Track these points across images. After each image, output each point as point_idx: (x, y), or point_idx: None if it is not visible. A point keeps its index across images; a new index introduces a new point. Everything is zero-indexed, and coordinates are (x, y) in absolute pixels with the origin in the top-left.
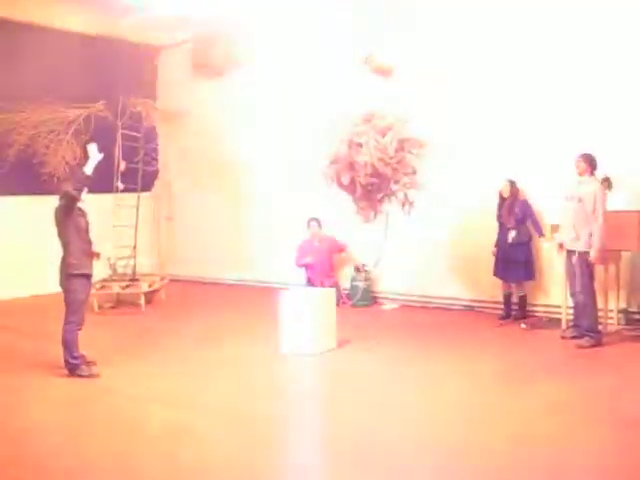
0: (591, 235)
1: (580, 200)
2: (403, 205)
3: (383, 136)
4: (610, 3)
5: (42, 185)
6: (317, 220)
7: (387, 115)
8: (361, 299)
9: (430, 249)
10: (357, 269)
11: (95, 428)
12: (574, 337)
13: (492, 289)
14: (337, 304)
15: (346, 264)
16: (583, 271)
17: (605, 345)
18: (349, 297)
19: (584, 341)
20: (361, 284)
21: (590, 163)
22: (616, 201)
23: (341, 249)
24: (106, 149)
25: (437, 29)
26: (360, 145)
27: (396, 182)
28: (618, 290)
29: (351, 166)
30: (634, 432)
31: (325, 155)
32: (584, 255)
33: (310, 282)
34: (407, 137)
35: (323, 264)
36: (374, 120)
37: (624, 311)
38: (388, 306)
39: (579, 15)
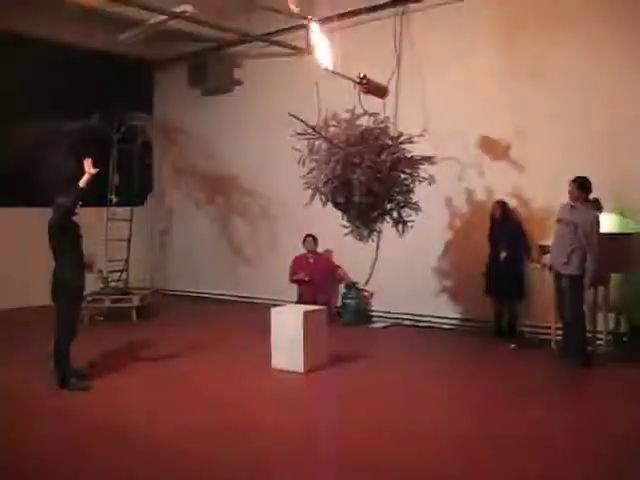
0: (582, 261)
1: (575, 226)
2: (397, 224)
3: (378, 155)
4: None
5: (36, 197)
6: (313, 236)
7: (381, 133)
8: (352, 317)
9: (421, 268)
10: (348, 287)
11: (81, 439)
12: (563, 357)
13: (483, 308)
14: (328, 321)
15: (338, 282)
16: (573, 294)
17: (594, 366)
18: (340, 315)
19: (573, 362)
20: (352, 302)
21: (583, 189)
22: (606, 223)
23: (334, 269)
24: (101, 162)
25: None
26: (355, 164)
27: (390, 201)
28: (607, 311)
29: (346, 185)
30: (620, 449)
31: (322, 174)
32: (575, 279)
33: (302, 299)
34: (401, 156)
35: (317, 281)
36: (369, 141)
37: (613, 332)
38: (379, 324)
39: None
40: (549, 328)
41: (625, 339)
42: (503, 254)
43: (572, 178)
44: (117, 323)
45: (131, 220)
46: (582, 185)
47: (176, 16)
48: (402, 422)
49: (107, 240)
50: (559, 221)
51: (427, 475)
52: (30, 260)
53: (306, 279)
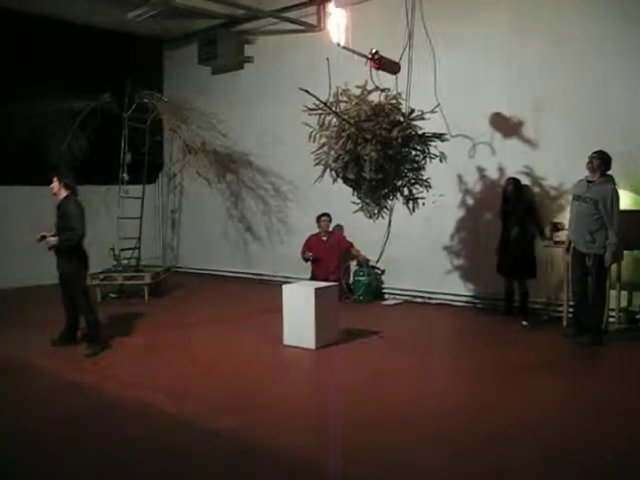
0: (606, 238)
1: (595, 202)
2: (407, 201)
3: (389, 132)
4: None
5: (45, 176)
6: (329, 215)
7: (392, 109)
8: (363, 294)
9: (433, 245)
10: (360, 264)
11: (96, 414)
12: (575, 335)
13: (494, 286)
14: (339, 299)
15: (350, 260)
16: (599, 273)
17: (606, 343)
18: (352, 292)
19: (586, 338)
20: (364, 279)
21: (605, 162)
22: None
23: (348, 247)
24: (112, 140)
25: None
26: (366, 140)
27: (401, 178)
28: (620, 289)
29: (357, 161)
30: (629, 425)
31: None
32: (600, 257)
33: (315, 276)
34: (412, 133)
35: (329, 259)
36: (380, 117)
37: (625, 310)
38: (390, 302)
39: None
40: (561, 305)
41: (638, 317)
42: (514, 232)
43: (592, 152)
44: (129, 300)
45: (142, 198)
46: (604, 158)
47: None
48: (413, 396)
49: (119, 218)
50: (577, 198)
51: (440, 447)
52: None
53: (312, 258)
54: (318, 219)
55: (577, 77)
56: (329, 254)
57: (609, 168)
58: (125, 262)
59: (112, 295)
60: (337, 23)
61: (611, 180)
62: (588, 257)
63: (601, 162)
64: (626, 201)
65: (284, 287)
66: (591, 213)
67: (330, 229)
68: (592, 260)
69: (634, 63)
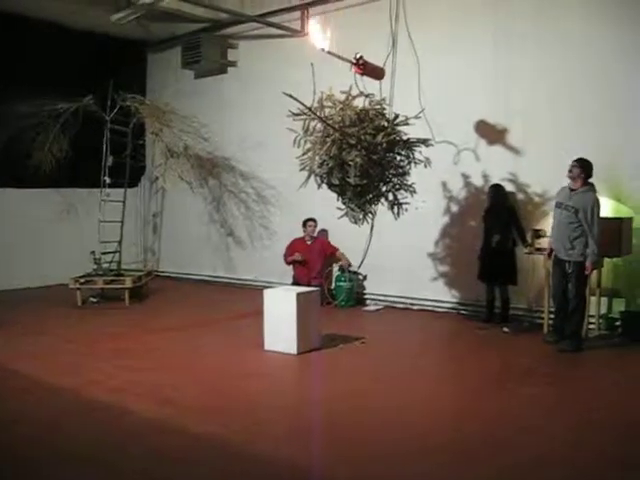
0: (586, 246)
1: (576, 210)
2: (392, 206)
3: (373, 137)
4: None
5: (28, 178)
6: (315, 220)
7: (377, 115)
8: (345, 300)
9: (415, 251)
10: (342, 269)
11: (76, 419)
12: (555, 341)
13: (477, 292)
14: (321, 304)
15: (333, 265)
16: (578, 280)
17: (586, 350)
18: (333, 297)
19: (566, 345)
20: (346, 285)
21: (585, 170)
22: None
23: (332, 251)
24: (94, 143)
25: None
26: (350, 146)
27: (385, 183)
28: (600, 296)
29: (341, 167)
30: (610, 433)
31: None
32: (579, 265)
33: (297, 281)
34: (397, 138)
35: (313, 264)
36: (364, 122)
37: (605, 317)
38: (372, 307)
39: None
40: (542, 312)
41: (618, 323)
42: (496, 238)
43: (572, 160)
44: (110, 304)
45: (124, 202)
46: (584, 166)
47: None
48: (393, 402)
49: (100, 221)
50: (559, 205)
51: (412, 451)
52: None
53: (300, 259)
54: (304, 223)
55: (561, 86)
56: (312, 258)
57: (590, 176)
58: (106, 266)
59: (92, 299)
60: (319, 29)
61: (593, 189)
62: (568, 264)
63: (581, 170)
64: (607, 209)
65: (265, 292)
66: (572, 221)
67: (315, 234)
68: (572, 267)
69: (616, 73)
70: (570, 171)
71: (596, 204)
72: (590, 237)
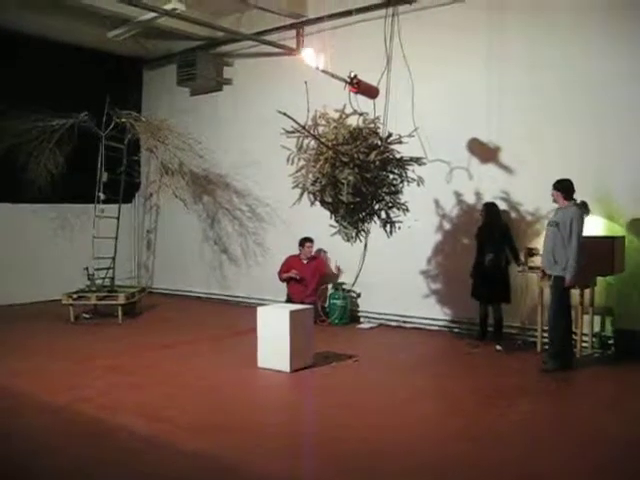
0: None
1: (557, 225)
2: (385, 224)
3: (366, 155)
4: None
5: (22, 193)
6: (312, 241)
7: (370, 133)
8: (339, 317)
9: (408, 269)
10: (335, 287)
11: (66, 436)
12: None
13: (470, 310)
14: (315, 322)
15: (326, 282)
16: (556, 295)
17: (579, 368)
18: (327, 315)
19: (549, 365)
20: (339, 302)
21: (563, 190)
22: (592, 226)
23: (323, 272)
24: (89, 159)
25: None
26: (344, 164)
27: (378, 201)
28: (593, 314)
29: (334, 184)
30: (597, 451)
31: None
32: (558, 279)
33: (291, 298)
34: (390, 156)
35: (308, 282)
36: (358, 140)
37: (598, 335)
38: (365, 325)
39: None
40: (535, 330)
41: (610, 342)
42: (489, 257)
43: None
44: (103, 321)
45: (118, 218)
46: (559, 188)
47: (166, 13)
48: (383, 420)
49: (94, 237)
50: (548, 224)
51: (394, 471)
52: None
53: (297, 277)
54: (302, 243)
55: (554, 105)
56: (308, 277)
57: (570, 196)
58: (99, 282)
59: (85, 315)
60: (312, 53)
61: (575, 204)
62: (549, 278)
63: (557, 193)
64: (599, 227)
65: (259, 309)
66: (555, 236)
67: (312, 254)
68: (552, 281)
69: (607, 93)
70: (552, 194)
71: (576, 218)
72: (569, 250)
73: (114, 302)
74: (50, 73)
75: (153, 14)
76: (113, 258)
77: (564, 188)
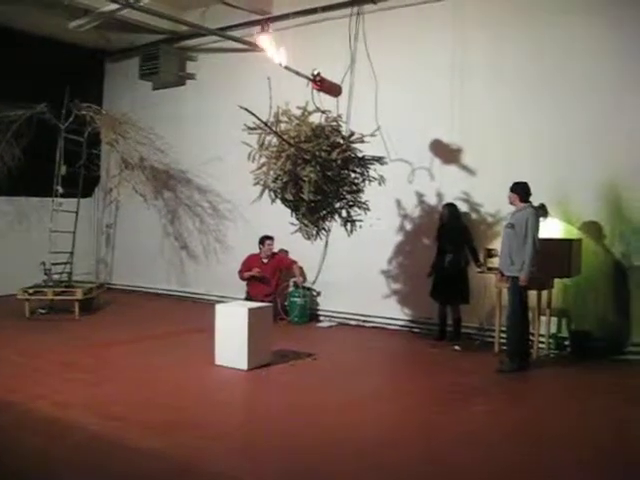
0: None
1: (513, 227)
2: (345, 223)
3: (328, 153)
4: None
5: None
6: (273, 239)
7: (332, 131)
8: (299, 316)
9: (369, 268)
10: (296, 285)
11: (20, 433)
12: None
13: (430, 310)
14: (274, 320)
15: (287, 280)
16: (514, 296)
17: (535, 369)
18: (286, 313)
19: (504, 365)
20: (299, 301)
21: (518, 192)
22: (550, 229)
23: (289, 264)
24: (47, 152)
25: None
26: (305, 161)
27: (339, 200)
28: (549, 316)
29: (296, 182)
30: (551, 451)
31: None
32: (515, 280)
33: (250, 296)
34: (352, 155)
35: (268, 281)
36: (320, 138)
37: (555, 336)
38: (325, 324)
39: None
40: (493, 331)
41: (566, 343)
42: (448, 258)
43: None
44: (59, 316)
45: (77, 212)
46: (513, 189)
47: (129, 5)
48: (340, 419)
49: (52, 231)
50: (505, 225)
51: (347, 471)
52: None
53: (260, 276)
54: (262, 241)
55: (514, 108)
56: (269, 275)
57: (526, 198)
58: (56, 277)
59: (41, 311)
60: (270, 43)
61: (531, 206)
62: (507, 279)
63: (514, 195)
64: (557, 230)
65: (217, 306)
66: (511, 238)
67: (272, 252)
68: (510, 282)
69: (569, 97)
70: (508, 197)
71: (531, 219)
72: (525, 252)
73: (71, 297)
74: (9, 62)
75: (116, 5)
76: (71, 253)
77: (520, 190)
